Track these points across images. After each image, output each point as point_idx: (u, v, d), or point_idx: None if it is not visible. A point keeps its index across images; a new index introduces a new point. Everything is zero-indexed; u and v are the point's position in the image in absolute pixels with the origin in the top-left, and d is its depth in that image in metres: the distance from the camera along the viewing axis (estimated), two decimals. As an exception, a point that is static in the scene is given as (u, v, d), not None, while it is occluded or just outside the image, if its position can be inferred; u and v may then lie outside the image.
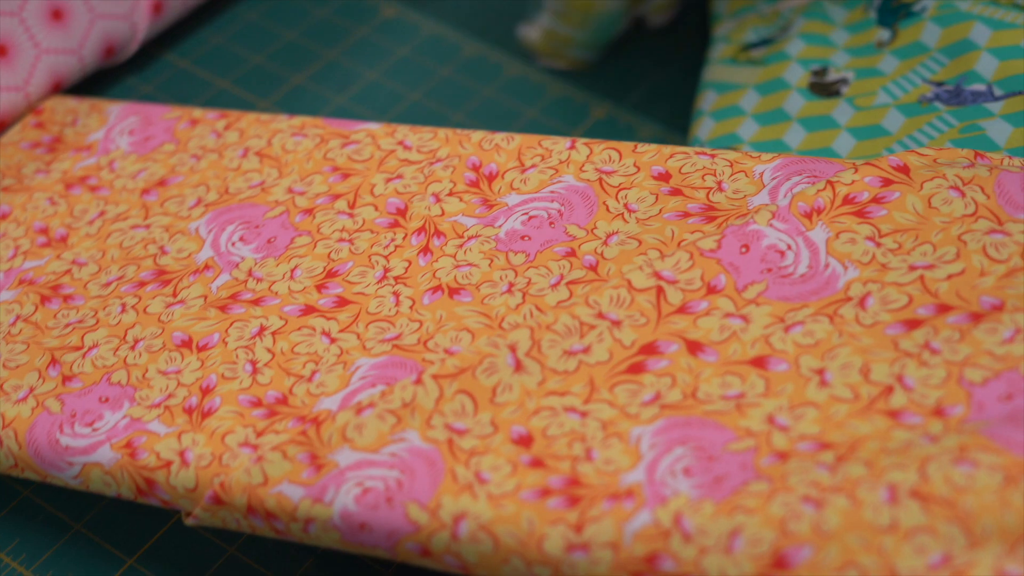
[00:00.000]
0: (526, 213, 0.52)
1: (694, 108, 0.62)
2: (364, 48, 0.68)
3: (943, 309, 0.44)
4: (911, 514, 0.39)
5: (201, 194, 0.55)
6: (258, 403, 0.47)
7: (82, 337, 0.51)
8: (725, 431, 0.43)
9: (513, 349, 0.46)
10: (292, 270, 0.52)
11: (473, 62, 0.67)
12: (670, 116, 0.65)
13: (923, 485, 0.40)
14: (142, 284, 0.52)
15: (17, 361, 0.51)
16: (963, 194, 0.47)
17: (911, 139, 0.56)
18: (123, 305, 0.52)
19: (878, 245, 0.46)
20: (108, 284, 0.53)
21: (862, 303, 0.45)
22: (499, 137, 0.54)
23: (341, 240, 0.52)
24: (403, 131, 0.56)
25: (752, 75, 0.61)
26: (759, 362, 0.44)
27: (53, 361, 0.50)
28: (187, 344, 0.50)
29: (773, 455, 0.42)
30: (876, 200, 0.48)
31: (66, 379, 0.50)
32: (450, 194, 0.53)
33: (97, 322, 0.51)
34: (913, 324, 0.44)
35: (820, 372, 0.44)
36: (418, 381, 0.46)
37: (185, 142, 0.58)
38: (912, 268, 0.46)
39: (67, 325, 0.52)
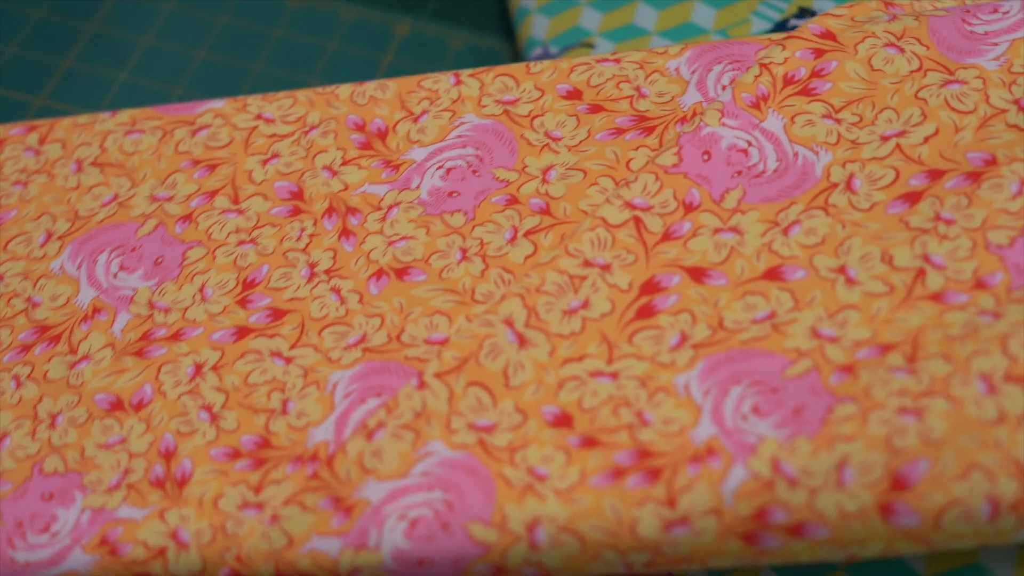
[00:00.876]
0: (440, 166, 0.47)
1: (513, 7, 0.58)
2: (126, 12, 0.60)
3: (935, 175, 0.42)
4: (1015, 400, 0.37)
5: (48, 226, 0.48)
6: (236, 454, 0.42)
7: None
8: (774, 357, 0.40)
9: (510, 323, 0.42)
10: (200, 290, 0.45)
11: (250, 3, 0.61)
12: (479, 19, 0.61)
13: (1014, 367, 0.38)
14: (26, 348, 0.45)
15: None
16: (901, 50, 0.45)
17: (776, -6, 0.53)
18: (15, 379, 0.44)
19: (838, 122, 0.44)
20: None
21: (849, 186, 0.43)
22: (370, 87, 0.49)
23: (242, 243, 0.46)
24: (255, 102, 0.50)
25: None
26: (773, 274, 0.42)
27: None
28: (118, 406, 0.43)
29: (839, 371, 0.39)
30: (816, 74, 0.45)
31: None
32: (344, 163, 0.47)
33: None
34: (913, 198, 0.42)
35: (841, 270, 0.41)
36: (422, 385, 0.41)
37: None
38: (884, 138, 0.44)
39: None
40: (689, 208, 0.43)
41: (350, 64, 0.59)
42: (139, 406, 0.43)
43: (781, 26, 0.53)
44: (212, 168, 0.48)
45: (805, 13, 0.53)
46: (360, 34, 0.60)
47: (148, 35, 0.60)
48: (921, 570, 0.40)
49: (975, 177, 0.42)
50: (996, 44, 0.45)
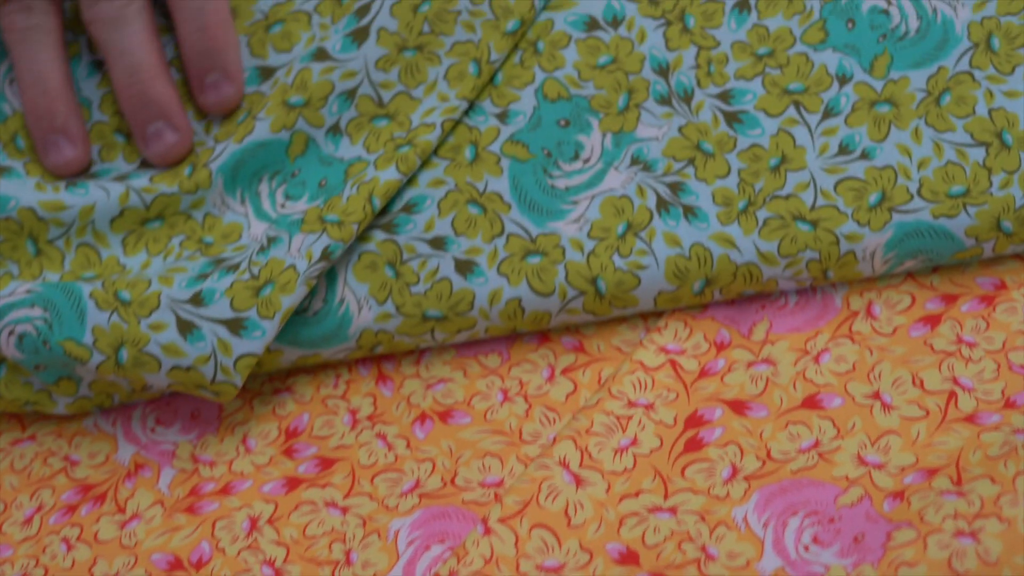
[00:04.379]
0: None
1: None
2: None
3: (950, 299, 0.45)
4: (1062, 518, 0.40)
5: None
6: None
7: None
8: (826, 487, 0.42)
9: (565, 465, 0.43)
10: (243, 441, 0.46)
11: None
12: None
13: (1058, 486, 0.41)
14: (72, 508, 0.45)
15: None
16: None
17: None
18: (65, 541, 0.44)
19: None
20: (28, 520, 0.45)
21: (870, 313, 0.45)
22: None
23: (277, 391, 0.47)
24: None
25: None
26: (811, 403, 0.44)
27: None
28: (177, 565, 0.44)
29: (890, 497, 0.41)
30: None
31: None
32: None
33: (46, 571, 0.44)
34: (933, 320, 0.45)
35: (876, 396, 0.44)
36: (487, 531, 0.42)
37: None
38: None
39: None
40: (721, 347, 0.45)
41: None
42: (199, 564, 0.43)
43: None
44: None
45: None
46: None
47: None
48: None
49: (989, 301, 0.45)
50: None
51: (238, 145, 0.46)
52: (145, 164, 0.47)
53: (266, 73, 0.48)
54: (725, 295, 0.45)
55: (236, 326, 0.44)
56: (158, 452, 0.46)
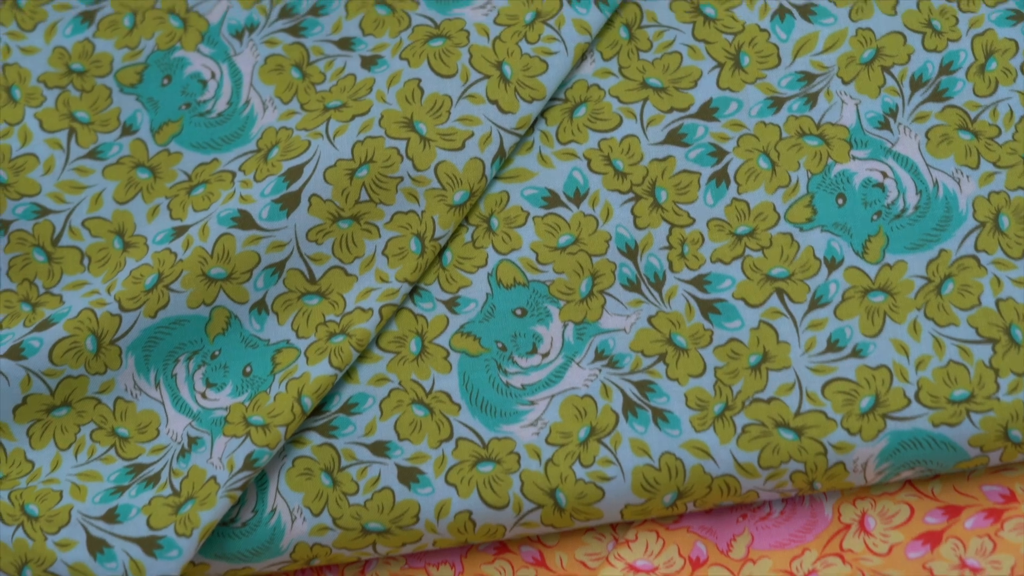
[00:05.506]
0: None
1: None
2: None
3: (953, 512, 0.40)
4: None
5: None
6: None
7: None
8: None
9: None
10: None
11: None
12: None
13: None
14: None
15: None
16: None
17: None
18: None
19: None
20: None
21: (863, 526, 0.41)
22: None
23: None
24: None
25: None
26: (794, 637, 0.39)
27: None
28: None
29: None
30: None
31: None
32: None
33: None
34: (933, 539, 0.40)
35: (867, 631, 0.39)
36: None
37: None
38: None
39: None
40: (696, 564, 0.41)
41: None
42: None
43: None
44: None
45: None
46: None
47: None
48: None
49: (996, 515, 0.40)
50: None
51: (151, 320, 0.42)
52: (42, 326, 0.42)
53: (180, 231, 0.43)
54: (700, 507, 0.40)
55: (150, 545, 0.39)
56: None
